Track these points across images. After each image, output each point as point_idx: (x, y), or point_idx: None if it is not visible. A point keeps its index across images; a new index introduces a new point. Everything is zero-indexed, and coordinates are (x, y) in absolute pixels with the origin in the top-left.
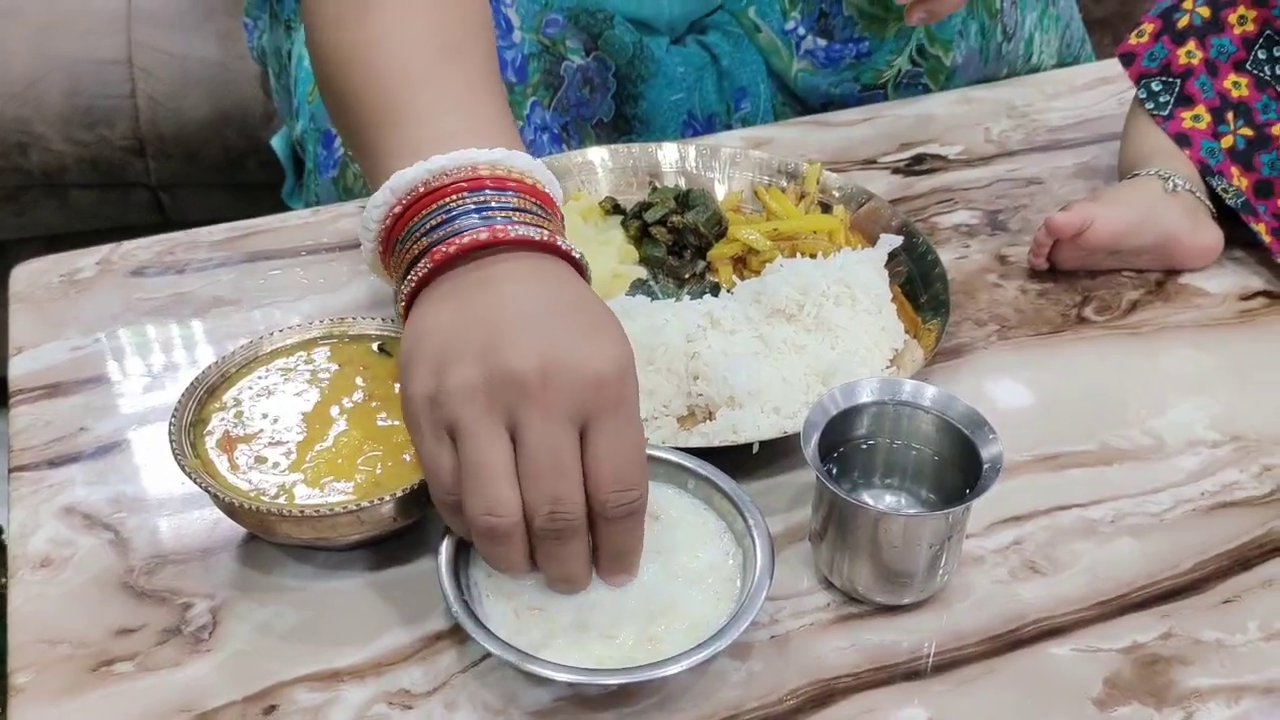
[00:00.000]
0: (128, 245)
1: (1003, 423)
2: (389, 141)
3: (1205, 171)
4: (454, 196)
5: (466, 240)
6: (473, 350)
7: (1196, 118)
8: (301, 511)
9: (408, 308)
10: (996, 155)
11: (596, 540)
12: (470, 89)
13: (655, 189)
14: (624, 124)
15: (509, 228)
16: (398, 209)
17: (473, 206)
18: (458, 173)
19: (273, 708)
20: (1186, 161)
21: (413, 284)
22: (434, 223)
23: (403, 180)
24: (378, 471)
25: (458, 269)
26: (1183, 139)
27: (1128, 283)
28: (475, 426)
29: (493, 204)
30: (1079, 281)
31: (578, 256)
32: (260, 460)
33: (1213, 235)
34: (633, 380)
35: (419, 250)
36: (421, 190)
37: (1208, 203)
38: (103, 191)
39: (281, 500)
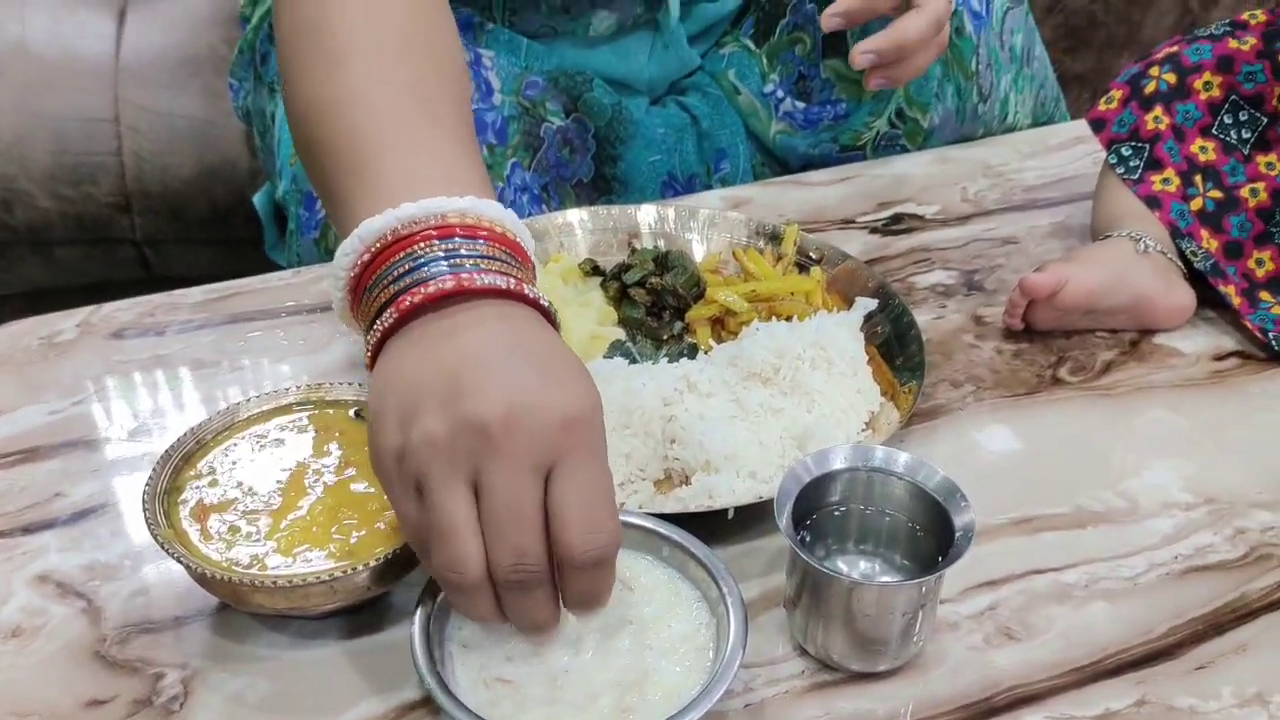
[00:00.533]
0: (108, 307)
1: (978, 484)
2: (358, 190)
3: (1175, 234)
4: (422, 244)
5: (432, 289)
6: (436, 400)
7: (1166, 181)
8: (274, 582)
9: (374, 358)
10: (973, 214)
11: (563, 586)
12: (441, 138)
13: (634, 250)
14: (604, 184)
15: (475, 276)
16: (365, 256)
17: (441, 254)
18: (426, 220)
19: None
20: (1157, 223)
21: (379, 334)
22: (401, 270)
23: (371, 228)
24: (352, 540)
25: (424, 318)
26: (1153, 201)
27: (1102, 343)
28: (437, 483)
29: (461, 251)
30: (1054, 342)
31: (546, 305)
32: (234, 529)
33: (1185, 295)
34: (599, 423)
35: (386, 298)
36: (390, 238)
37: (1179, 263)
38: (88, 248)
39: (254, 570)
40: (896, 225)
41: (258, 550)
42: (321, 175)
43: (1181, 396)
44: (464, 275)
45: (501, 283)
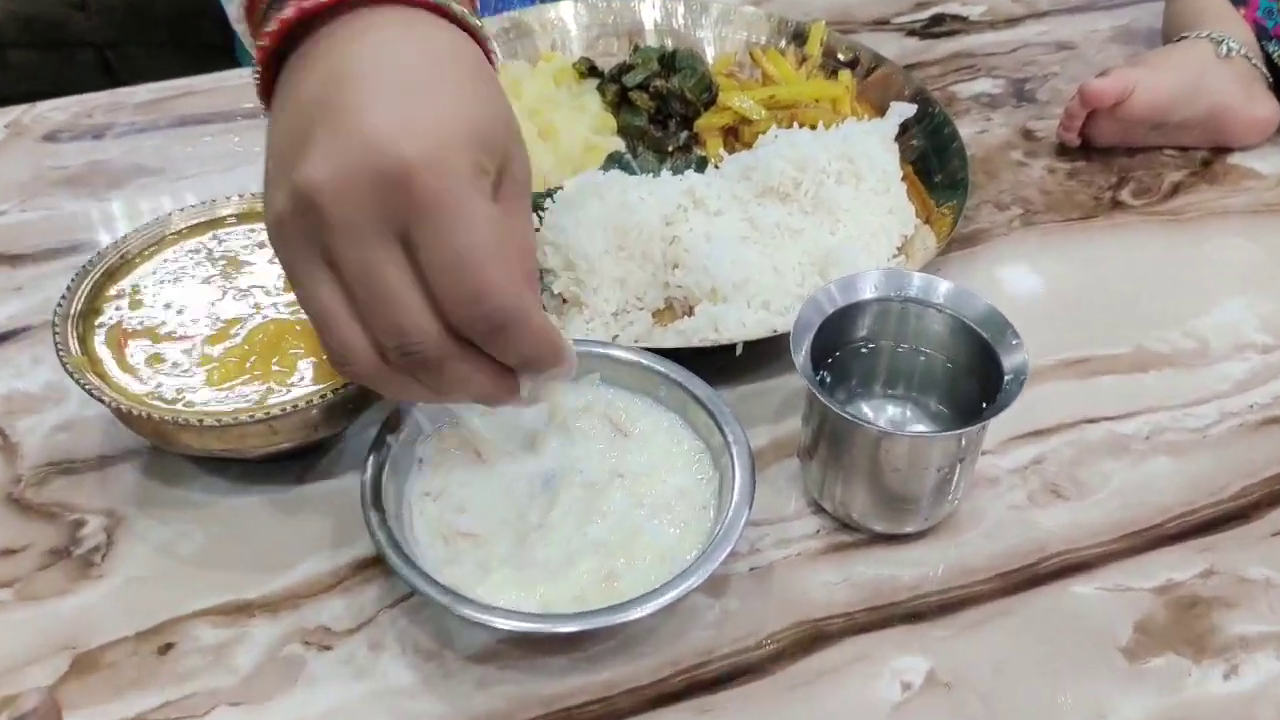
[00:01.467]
0: (42, 106)
1: (1024, 321)
2: None
3: (1261, 34)
4: None
5: None
6: (283, 162)
7: None
8: (201, 420)
9: (267, 96)
10: (1025, 16)
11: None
12: None
13: (637, 49)
14: None
15: None
16: None
17: None
18: None
19: (169, 646)
20: (1241, 23)
21: (260, 58)
22: None
23: None
24: (297, 372)
25: (312, 36)
26: None
27: (1170, 162)
28: (294, 270)
29: None
30: (1115, 160)
31: (477, 26)
32: (157, 358)
33: (1269, 107)
34: (461, 162)
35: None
36: None
37: (1264, 70)
38: (44, 51)
39: (180, 406)
40: (937, 27)
41: (185, 383)
42: None
43: (1259, 223)
44: None
45: None
